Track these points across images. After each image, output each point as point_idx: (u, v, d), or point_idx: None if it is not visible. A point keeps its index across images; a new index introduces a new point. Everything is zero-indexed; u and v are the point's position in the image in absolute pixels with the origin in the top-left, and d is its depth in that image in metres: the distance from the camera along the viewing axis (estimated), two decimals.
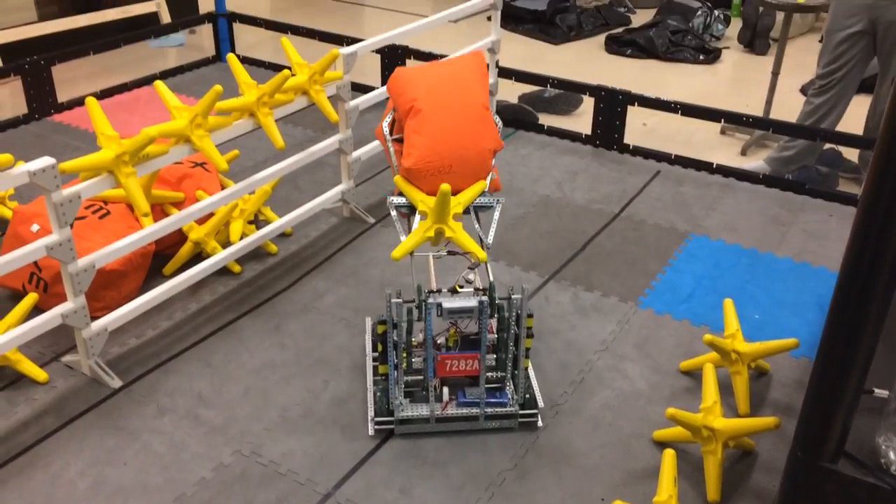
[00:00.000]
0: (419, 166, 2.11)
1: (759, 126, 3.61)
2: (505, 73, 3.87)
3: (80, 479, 1.96)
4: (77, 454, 2.03)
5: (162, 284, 2.45)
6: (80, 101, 4.02)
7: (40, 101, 3.89)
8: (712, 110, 3.59)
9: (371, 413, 2.13)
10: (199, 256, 2.71)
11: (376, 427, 2.10)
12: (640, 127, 4.05)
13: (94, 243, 2.35)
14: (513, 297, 2.00)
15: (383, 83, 4.05)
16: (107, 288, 2.45)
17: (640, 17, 5.97)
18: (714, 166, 3.54)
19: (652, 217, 3.18)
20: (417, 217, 2.13)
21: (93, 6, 5.04)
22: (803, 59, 5.17)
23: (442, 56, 3.66)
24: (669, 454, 1.83)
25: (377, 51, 4.09)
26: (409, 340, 2.06)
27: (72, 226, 2.09)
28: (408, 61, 4.11)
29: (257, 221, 2.96)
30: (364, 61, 2.98)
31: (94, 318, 2.25)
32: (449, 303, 1.98)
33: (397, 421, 2.09)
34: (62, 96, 3.99)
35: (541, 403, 2.17)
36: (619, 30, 5.68)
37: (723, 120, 3.64)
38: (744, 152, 3.92)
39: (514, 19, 5.78)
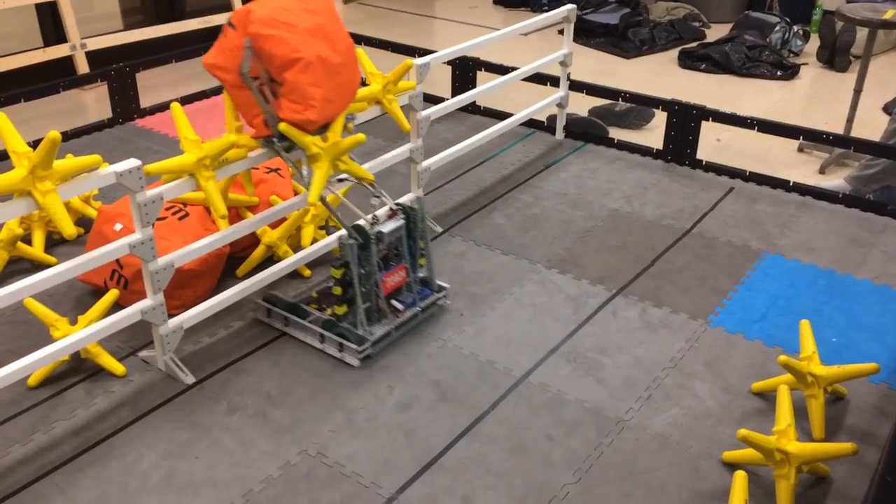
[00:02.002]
0: (321, 117, 2.27)
1: (840, 144, 3.51)
2: (576, 86, 3.85)
3: (153, 471, 2.02)
4: (151, 446, 2.09)
5: (235, 285, 2.51)
6: (161, 107, 4.17)
7: (124, 105, 4.05)
8: (790, 127, 3.50)
9: (355, 346, 2.34)
10: (270, 259, 2.77)
11: (360, 357, 2.36)
12: (712, 142, 3.98)
13: (173, 243, 2.43)
14: (412, 205, 2.43)
15: (454, 94, 4.08)
16: (183, 287, 2.52)
17: (715, 32, 5.87)
18: (791, 184, 3.45)
19: (724, 234, 3.12)
20: (304, 161, 2.34)
21: (175, 16, 5.23)
22: (887, 76, 5.00)
23: (513, 68, 3.67)
24: (741, 475, 1.78)
25: (448, 62, 4.12)
26: (361, 273, 2.33)
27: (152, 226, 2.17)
28: (478, 73, 4.13)
29: (328, 227, 3.01)
30: (435, 72, 3.01)
31: (170, 316, 2.32)
32: (385, 228, 2.36)
33: (371, 344, 2.37)
34: (145, 102, 4.14)
35: (445, 285, 2.63)
36: (694, 44, 5.60)
37: (801, 137, 3.55)
38: (822, 171, 3.80)
39: (585, 33, 5.76)
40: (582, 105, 4.15)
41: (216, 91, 4.41)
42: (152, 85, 4.45)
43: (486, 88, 3.45)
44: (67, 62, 4.56)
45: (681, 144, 3.66)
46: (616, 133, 3.99)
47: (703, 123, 3.60)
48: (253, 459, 2.05)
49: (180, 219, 2.60)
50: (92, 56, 4.61)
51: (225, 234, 2.41)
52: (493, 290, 2.76)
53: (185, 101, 4.28)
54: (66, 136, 3.84)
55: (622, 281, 2.82)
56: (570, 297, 2.72)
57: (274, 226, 2.75)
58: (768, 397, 2.26)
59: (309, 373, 2.36)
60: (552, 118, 3.97)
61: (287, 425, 2.17)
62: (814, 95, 4.90)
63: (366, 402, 2.25)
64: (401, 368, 2.38)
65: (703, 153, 3.65)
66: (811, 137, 3.50)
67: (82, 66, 4.57)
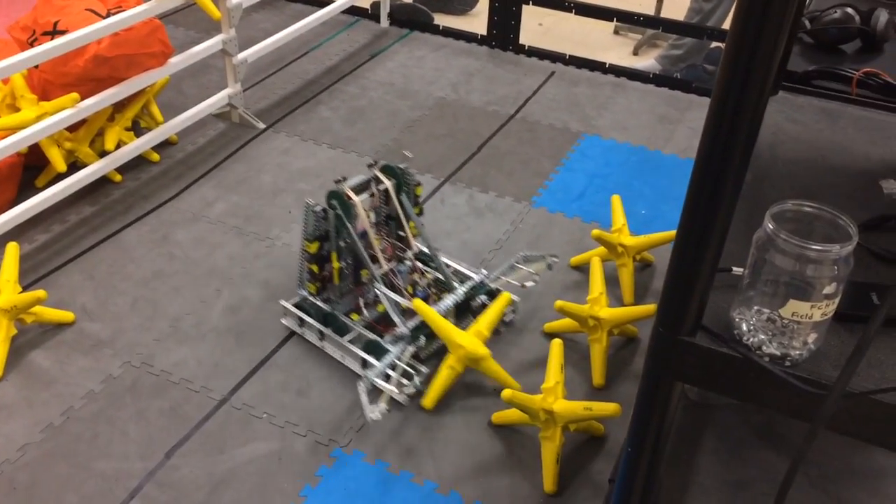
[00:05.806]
0: None
1: (650, 25, 3.64)
2: None
3: None
4: None
5: (36, 195, 2.32)
6: None
7: None
8: (605, 9, 3.58)
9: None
10: (73, 167, 2.57)
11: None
12: (535, 27, 4.02)
13: None
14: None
15: None
16: None
17: None
18: (607, 66, 3.57)
19: (546, 118, 3.20)
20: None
21: None
22: None
23: None
24: (556, 343, 1.90)
25: None
26: None
27: None
28: None
29: (138, 129, 2.81)
30: None
31: None
32: None
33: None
34: None
35: None
36: None
37: (615, 19, 3.65)
38: (636, 52, 3.96)
39: None
40: None
41: None
42: None
43: None
44: None
45: (504, 30, 3.67)
46: (441, 19, 3.94)
47: (525, 8, 3.61)
48: (71, 376, 1.96)
49: None
50: None
51: (14, 140, 2.20)
52: (321, 185, 2.71)
53: None
54: None
55: (450, 169, 2.86)
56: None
57: (72, 129, 2.54)
58: (585, 270, 2.40)
59: (128, 283, 2.25)
60: (376, 5, 3.85)
61: (106, 339, 2.07)
62: None
63: (192, 308, 2.19)
64: (227, 270, 2.32)
65: (525, 38, 3.69)
66: (623, 19, 3.60)
67: None
